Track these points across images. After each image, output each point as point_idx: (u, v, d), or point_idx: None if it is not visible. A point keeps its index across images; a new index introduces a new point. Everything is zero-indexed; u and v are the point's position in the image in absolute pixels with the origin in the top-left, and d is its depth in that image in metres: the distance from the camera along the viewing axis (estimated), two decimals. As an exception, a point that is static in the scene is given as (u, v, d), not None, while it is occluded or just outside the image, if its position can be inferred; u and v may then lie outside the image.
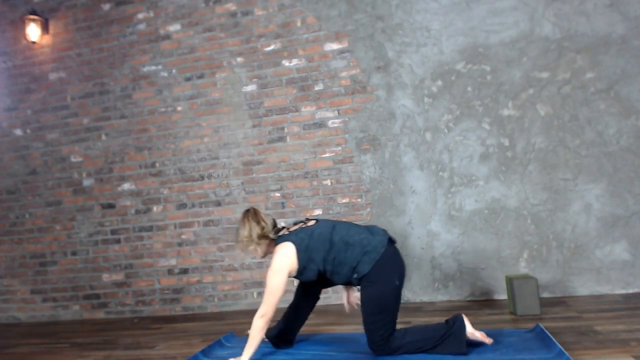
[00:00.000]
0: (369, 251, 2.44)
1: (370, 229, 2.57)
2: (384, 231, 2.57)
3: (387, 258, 2.45)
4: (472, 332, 2.42)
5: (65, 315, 4.58)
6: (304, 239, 2.51)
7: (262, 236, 2.56)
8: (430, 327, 2.47)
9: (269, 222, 2.60)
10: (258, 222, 2.56)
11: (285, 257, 2.47)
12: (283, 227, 2.67)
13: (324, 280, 2.62)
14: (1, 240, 4.77)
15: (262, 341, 2.61)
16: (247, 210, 2.63)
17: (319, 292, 2.83)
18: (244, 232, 2.56)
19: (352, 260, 2.44)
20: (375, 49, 4.04)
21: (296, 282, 2.79)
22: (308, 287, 2.75)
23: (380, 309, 2.40)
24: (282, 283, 2.45)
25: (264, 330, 2.47)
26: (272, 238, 2.59)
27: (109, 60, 4.60)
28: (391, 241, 2.55)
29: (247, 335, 2.56)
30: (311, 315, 3.68)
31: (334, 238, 2.50)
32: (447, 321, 2.47)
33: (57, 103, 4.70)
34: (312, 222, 2.61)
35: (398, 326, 2.92)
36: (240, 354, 2.58)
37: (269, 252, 2.61)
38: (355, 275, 2.45)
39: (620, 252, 3.55)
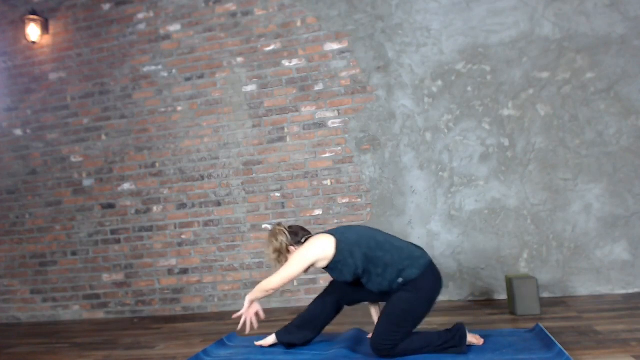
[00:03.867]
0: (418, 257, 2.40)
1: (413, 244, 2.55)
2: (423, 249, 2.55)
3: (433, 269, 2.42)
4: (469, 340, 2.43)
5: (65, 315, 4.58)
6: (344, 232, 2.48)
7: (288, 245, 2.56)
8: (433, 334, 2.43)
9: (293, 230, 2.62)
10: (276, 236, 2.57)
11: (319, 243, 2.44)
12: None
13: (354, 289, 2.56)
14: (1, 240, 4.77)
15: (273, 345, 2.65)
16: (271, 230, 2.64)
17: (343, 304, 2.73)
18: (271, 249, 2.57)
19: (399, 263, 2.36)
20: (375, 49, 4.04)
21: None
22: (336, 293, 2.69)
23: (407, 316, 2.35)
24: (304, 266, 2.42)
25: (264, 292, 2.47)
26: (300, 240, 2.57)
27: (109, 60, 4.60)
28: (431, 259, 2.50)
29: (248, 335, 2.57)
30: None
31: (378, 238, 2.45)
32: (449, 330, 2.44)
33: (57, 103, 4.70)
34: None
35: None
36: (242, 354, 2.60)
37: None
38: (400, 280, 2.36)
39: (620, 252, 3.55)
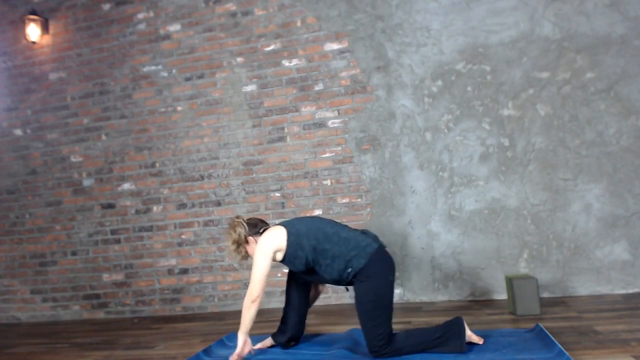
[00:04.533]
0: (364, 246, 2.45)
1: (362, 231, 2.59)
2: (375, 235, 2.59)
3: (381, 254, 2.47)
4: (469, 334, 2.45)
5: (65, 315, 4.58)
6: (295, 224, 2.54)
7: (246, 237, 2.61)
8: (431, 329, 2.47)
9: (252, 222, 2.67)
10: (234, 228, 2.61)
11: (272, 236, 2.50)
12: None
13: (311, 276, 2.61)
14: (1, 240, 4.77)
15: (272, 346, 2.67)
16: (230, 223, 2.69)
17: (310, 283, 2.79)
18: (230, 240, 2.63)
19: (346, 253, 2.43)
20: (375, 49, 4.04)
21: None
22: (297, 278, 2.74)
23: (377, 305, 2.40)
24: (268, 259, 2.47)
25: (253, 309, 2.48)
26: (259, 232, 2.63)
27: (109, 60, 4.60)
28: (381, 243, 2.55)
29: (250, 335, 2.57)
30: (311, 315, 3.68)
31: (327, 230, 2.50)
32: (446, 322, 2.47)
33: (57, 103, 4.70)
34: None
35: (399, 326, 2.93)
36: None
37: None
38: (349, 270, 2.43)
39: (620, 252, 3.55)
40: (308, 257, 2.48)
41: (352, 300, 3.99)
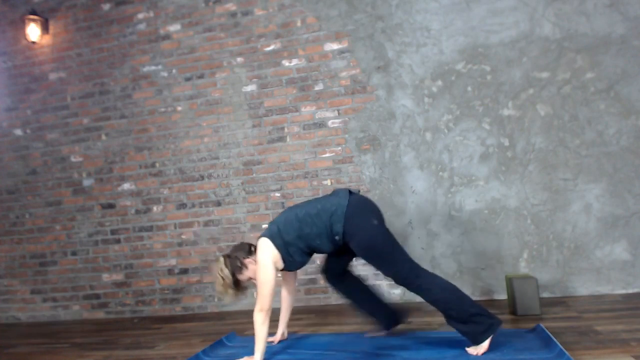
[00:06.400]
0: (334, 210, 2.47)
1: (333, 193, 2.61)
2: (345, 189, 2.61)
3: (353, 208, 2.48)
4: (470, 351, 2.41)
5: (65, 315, 4.58)
6: (272, 229, 2.55)
7: (235, 275, 2.60)
8: (470, 301, 2.41)
9: (238, 248, 2.66)
10: (220, 271, 2.59)
11: (266, 250, 2.51)
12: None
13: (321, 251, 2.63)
14: (1, 240, 4.77)
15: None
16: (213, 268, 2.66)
17: (349, 272, 2.84)
18: (219, 283, 2.60)
19: (325, 227, 2.47)
20: (375, 49, 4.04)
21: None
22: (334, 273, 2.80)
23: (377, 253, 2.44)
24: (271, 273, 2.48)
25: (265, 324, 2.46)
26: (252, 251, 2.62)
27: (109, 60, 4.60)
28: (352, 193, 2.57)
29: (249, 335, 2.57)
30: (311, 315, 3.69)
31: (299, 215, 2.53)
32: (489, 312, 2.40)
33: (57, 103, 4.70)
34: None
35: (402, 324, 2.94)
36: (242, 354, 2.59)
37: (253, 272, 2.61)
38: (336, 238, 2.47)
39: (620, 252, 3.55)
40: (300, 246, 2.52)
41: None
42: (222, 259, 2.62)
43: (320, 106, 4.14)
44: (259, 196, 4.22)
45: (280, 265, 2.56)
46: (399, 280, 2.45)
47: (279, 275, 2.65)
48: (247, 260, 2.60)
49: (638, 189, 3.55)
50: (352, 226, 2.44)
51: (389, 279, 2.53)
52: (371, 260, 2.48)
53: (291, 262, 2.56)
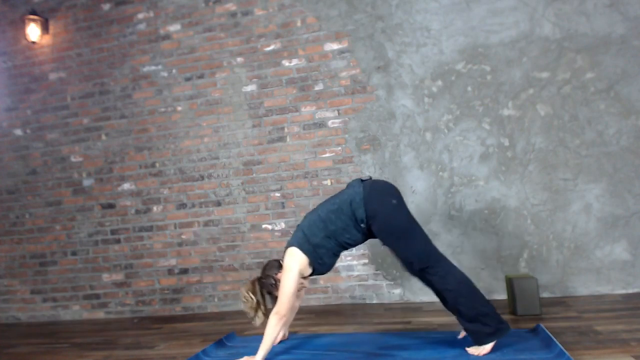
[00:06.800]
0: (353, 199, 2.46)
1: (347, 186, 2.61)
2: (357, 179, 2.60)
3: (370, 192, 2.48)
4: (471, 351, 2.41)
5: (65, 315, 4.58)
6: (298, 235, 2.53)
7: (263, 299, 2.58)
8: (485, 301, 2.39)
9: (269, 265, 2.63)
10: (250, 294, 2.57)
11: (293, 257, 2.48)
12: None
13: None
14: (1, 240, 4.77)
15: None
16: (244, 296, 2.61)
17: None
18: (248, 307, 2.56)
19: (347, 217, 2.45)
20: (375, 49, 4.04)
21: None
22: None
23: (398, 233, 2.42)
24: (294, 280, 2.44)
25: (278, 327, 2.44)
26: (280, 264, 2.59)
27: (109, 60, 4.60)
28: (364, 180, 2.57)
29: (248, 335, 2.56)
30: (311, 315, 3.69)
31: (321, 215, 2.52)
32: (500, 316, 2.39)
33: (57, 103, 4.70)
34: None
35: (399, 327, 2.93)
36: (241, 354, 2.60)
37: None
38: (362, 225, 2.45)
39: (620, 252, 3.55)
40: (329, 246, 2.49)
41: (351, 300, 4.00)
42: (250, 284, 2.59)
43: (320, 106, 4.14)
44: (259, 196, 4.22)
45: (308, 271, 2.52)
46: (418, 264, 2.40)
47: (302, 283, 2.60)
48: (279, 276, 2.56)
49: (638, 189, 3.55)
50: (372, 209, 2.43)
51: (405, 268, 2.47)
52: (393, 241, 2.44)
53: (320, 264, 2.53)
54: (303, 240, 2.49)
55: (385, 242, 2.48)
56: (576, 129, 3.66)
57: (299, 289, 2.57)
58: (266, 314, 2.55)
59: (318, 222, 2.50)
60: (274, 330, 2.43)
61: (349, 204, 2.46)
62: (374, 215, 2.42)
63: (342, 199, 2.51)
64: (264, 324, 2.50)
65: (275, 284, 2.55)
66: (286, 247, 2.54)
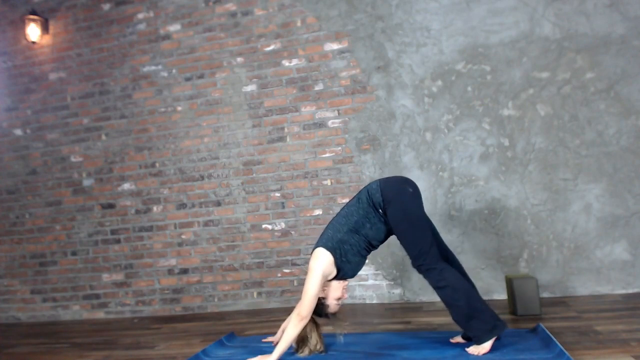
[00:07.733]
0: (371, 187, 2.54)
1: (360, 192, 2.65)
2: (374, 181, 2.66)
3: (387, 179, 2.59)
4: (471, 351, 2.40)
5: (65, 315, 4.58)
6: (325, 234, 2.54)
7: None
8: (480, 299, 2.42)
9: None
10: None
11: (316, 260, 2.47)
12: None
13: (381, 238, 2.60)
14: (1, 240, 4.77)
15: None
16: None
17: None
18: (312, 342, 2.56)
19: (366, 205, 2.50)
20: (375, 49, 4.04)
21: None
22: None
23: (410, 221, 2.45)
24: (317, 282, 2.44)
25: (298, 329, 2.43)
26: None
27: (109, 60, 4.60)
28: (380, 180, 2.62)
29: (248, 335, 2.56)
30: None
31: (342, 213, 2.57)
32: (495, 314, 2.42)
33: (57, 103, 4.70)
34: None
35: (399, 327, 2.92)
36: (241, 354, 2.59)
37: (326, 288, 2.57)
38: (380, 211, 2.48)
39: (620, 252, 3.55)
40: (352, 242, 2.50)
41: (351, 300, 4.00)
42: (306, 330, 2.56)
43: (320, 106, 4.14)
44: (259, 196, 4.22)
45: (333, 272, 2.50)
46: (420, 258, 2.42)
47: (343, 294, 2.59)
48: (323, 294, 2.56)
49: (638, 189, 3.55)
50: (388, 193, 2.48)
51: (409, 254, 2.49)
52: (404, 228, 2.46)
53: (344, 263, 2.50)
54: (328, 238, 2.51)
55: (396, 229, 2.49)
56: (576, 129, 3.66)
57: (337, 298, 2.55)
58: (318, 331, 2.57)
59: (341, 218, 2.55)
60: (293, 329, 2.42)
61: (366, 192, 2.54)
62: (390, 200, 2.46)
63: (360, 193, 2.58)
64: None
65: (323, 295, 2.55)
66: (312, 250, 2.55)
